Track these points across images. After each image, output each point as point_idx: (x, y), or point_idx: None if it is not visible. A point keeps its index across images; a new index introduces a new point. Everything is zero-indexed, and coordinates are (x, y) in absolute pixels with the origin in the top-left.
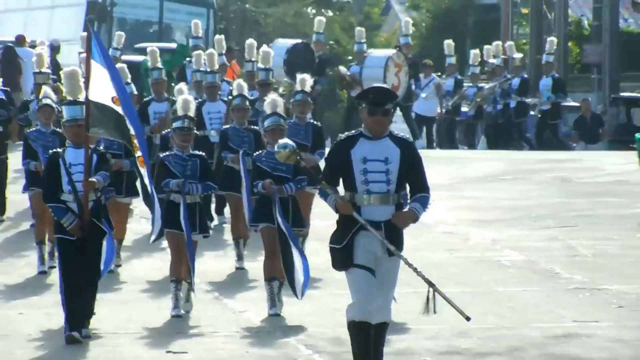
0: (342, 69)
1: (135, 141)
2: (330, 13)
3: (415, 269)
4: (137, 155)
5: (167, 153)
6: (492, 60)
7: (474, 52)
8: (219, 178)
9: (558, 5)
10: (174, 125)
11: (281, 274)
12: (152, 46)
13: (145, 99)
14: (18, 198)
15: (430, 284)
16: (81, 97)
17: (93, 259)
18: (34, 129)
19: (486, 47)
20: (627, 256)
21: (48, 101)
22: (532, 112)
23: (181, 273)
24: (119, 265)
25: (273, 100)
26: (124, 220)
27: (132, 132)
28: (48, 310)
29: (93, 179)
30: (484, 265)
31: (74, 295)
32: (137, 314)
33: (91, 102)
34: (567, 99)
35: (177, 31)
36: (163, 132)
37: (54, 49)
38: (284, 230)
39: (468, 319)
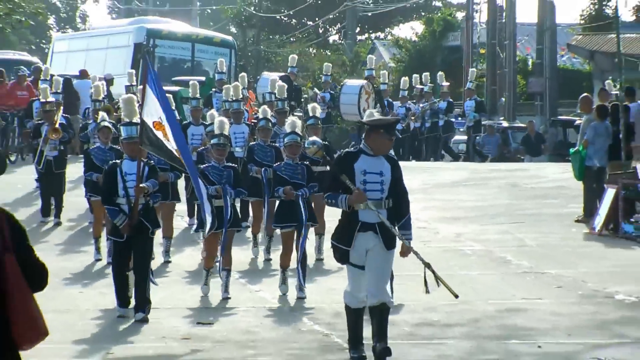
0: (316, 91)
1: (179, 155)
2: (328, 52)
3: (415, 252)
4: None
5: (206, 164)
6: (419, 86)
7: (403, 79)
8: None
9: (508, 47)
10: (212, 141)
11: (287, 264)
12: (194, 79)
13: (184, 122)
14: (77, 200)
15: (427, 265)
16: (135, 119)
17: (141, 251)
18: (94, 146)
19: (414, 75)
20: (565, 246)
21: (106, 123)
22: (461, 129)
23: (212, 263)
24: (169, 262)
25: (293, 122)
26: (170, 220)
27: (175, 147)
28: (102, 290)
29: (143, 185)
30: (450, 253)
31: (122, 281)
32: (172, 294)
33: (144, 122)
34: (488, 116)
35: (205, 67)
36: (199, 149)
37: (108, 81)
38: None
39: (456, 296)
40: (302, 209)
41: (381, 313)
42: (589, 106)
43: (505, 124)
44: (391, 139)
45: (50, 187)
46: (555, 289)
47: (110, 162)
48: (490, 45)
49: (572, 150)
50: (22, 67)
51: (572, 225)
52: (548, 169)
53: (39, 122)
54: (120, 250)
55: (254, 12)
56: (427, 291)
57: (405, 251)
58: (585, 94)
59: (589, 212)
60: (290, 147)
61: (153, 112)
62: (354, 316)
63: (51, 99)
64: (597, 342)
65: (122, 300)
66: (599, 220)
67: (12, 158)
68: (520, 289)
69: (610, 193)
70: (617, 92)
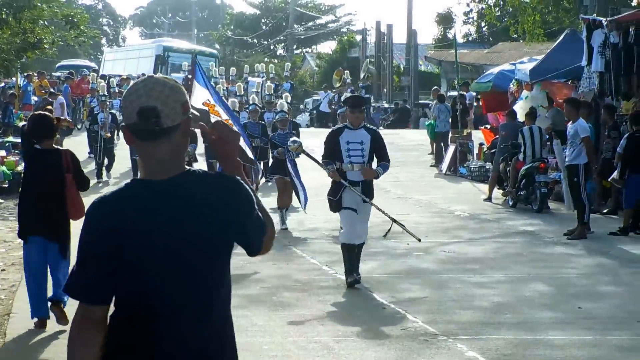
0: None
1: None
2: (276, 61)
3: (381, 210)
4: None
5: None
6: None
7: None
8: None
9: (388, 57)
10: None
11: (288, 204)
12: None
13: None
14: (123, 158)
15: (392, 219)
16: None
17: None
18: None
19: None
20: (423, 181)
21: None
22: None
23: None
24: None
25: (281, 104)
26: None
27: (225, 117)
28: None
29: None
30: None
31: None
32: None
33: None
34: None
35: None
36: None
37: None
38: (292, 174)
39: (419, 240)
40: (290, 163)
41: (360, 249)
42: (436, 95)
43: (386, 105)
44: (361, 112)
45: (104, 156)
46: (418, 207)
47: None
48: (377, 57)
49: (427, 122)
50: (84, 69)
51: (428, 169)
52: (411, 133)
53: (95, 111)
54: None
55: (230, 35)
56: (386, 237)
57: (369, 175)
58: (435, 87)
59: (438, 160)
60: (281, 121)
61: (200, 97)
62: (348, 251)
63: (105, 92)
64: (443, 241)
65: None
66: (445, 165)
67: (79, 126)
68: (396, 208)
69: (451, 148)
70: (456, 85)
